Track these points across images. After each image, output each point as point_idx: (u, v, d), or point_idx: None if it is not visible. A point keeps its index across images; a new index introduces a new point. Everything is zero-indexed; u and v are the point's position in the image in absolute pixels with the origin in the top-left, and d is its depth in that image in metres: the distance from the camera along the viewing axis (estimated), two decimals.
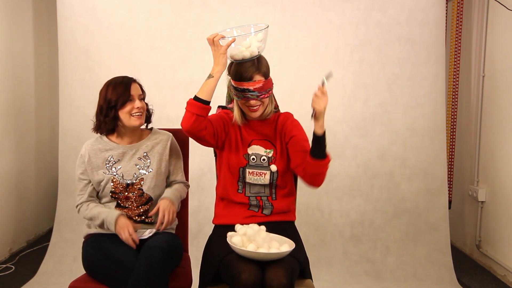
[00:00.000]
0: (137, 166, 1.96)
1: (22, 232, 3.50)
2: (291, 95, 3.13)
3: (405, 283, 2.96)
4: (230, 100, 2.02)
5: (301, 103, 3.18)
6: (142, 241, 1.84)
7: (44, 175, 3.81)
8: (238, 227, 1.77)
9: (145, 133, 2.04)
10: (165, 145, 2.01)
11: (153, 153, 1.98)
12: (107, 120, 1.91)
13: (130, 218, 1.94)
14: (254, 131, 1.95)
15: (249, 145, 1.94)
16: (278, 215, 1.95)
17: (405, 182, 3.22)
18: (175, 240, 1.91)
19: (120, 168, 1.94)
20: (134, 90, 1.92)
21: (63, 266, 2.99)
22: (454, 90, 3.48)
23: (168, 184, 2.05)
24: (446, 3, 3.31)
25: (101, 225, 1.90)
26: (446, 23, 3.35)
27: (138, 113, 1.92)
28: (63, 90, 3.24)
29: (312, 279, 1.83)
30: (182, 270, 1.95)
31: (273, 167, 1.91)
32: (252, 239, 1.66)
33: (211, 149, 2.09)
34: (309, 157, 1.78)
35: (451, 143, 3.52)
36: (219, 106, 2.05)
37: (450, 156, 3.53)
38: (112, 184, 1.92)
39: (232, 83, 1.86)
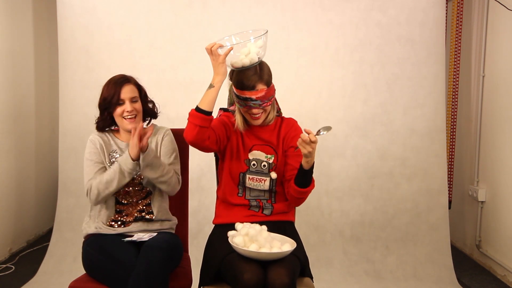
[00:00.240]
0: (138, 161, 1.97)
1: (22, 232, 3.50)
2: (291, 95, 3.13)
3: (405, 283, 2.96)
4: (231, 102, 2.02)
5: (301, 103, 3.21)
6: (142, 242, 1.84)
7: (44, 175, 3.81)
8: (238, 225, 1.78)
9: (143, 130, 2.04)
10: (161, 137, 2.02)
11: (150, 147, 1.98)
12: (102, 119, 1.96)
13: (130, 215, 1.95)
14: (255, 136, 1.95)
15: (250, 150, 1.94)
16: (278, 215, 1.96)
17: (405, 182, 3.22)
18: (175, 240, 1.92)
19: None
20: (126, 93, 1.91)
21: (63, 266, 2.99)
22: (454, 90, 3.48)
23: None
24: (446, 3, 3.31)
25: (121, 177, 1.84)
26: (446, 23, 3.35)
27: (129, 116, 1.92)
28: (63, 90, 3.24)
29: (312, 278, 1.83)
30: (182, 270, 1.95)
31: (273, 175, 1.92)
32: (254, 239, 1.67)
33: None
34: (293, 183, 1.80)
35: (451, 143, 3.52)
36: (220, 109, 2.05)
37: (450, 156, 3.53)
38: None
39: (234, 90, 1.85)
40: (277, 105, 2.01)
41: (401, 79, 3.21)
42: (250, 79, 1.80)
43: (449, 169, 3.50)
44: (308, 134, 1.65)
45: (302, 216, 3.06)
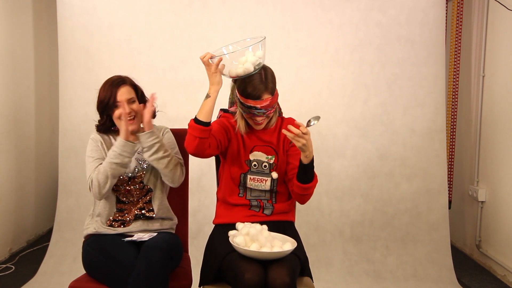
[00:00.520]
0: (139, 161, 1.98)
1: (22, 232, 3.50)
2: (291, 95, 3.13)
3: (405, 283, 2.96)
4: (232, 101, 2.02)
5: (301, 103, 3.21)
6: (142, 242, 1.85)
7: (44, 175, 3.81)
8: (239, 225, 1.78)
9: (143, 129, 2.04)
10: (161, 135, 2.02)
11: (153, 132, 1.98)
12: (101, 121, 1.97)
13: (130, 213, 1.96)
14: (256, 137, 1.95)
15: (251, 151, 1.94)
16: (278, 215, 1.96)
17: (405, 182, 3.22)
18: (175, 240, 1.92)
19: None
20: (122, 95, 1.90)
21: (63, 266, 2.99)
22: (454, 90, 3.48)
23: None
24: (446, 3, 3.31)
25: (117, 163, 1.84)
26: (446, 23, 3.35)
27: (128, 118, 1.90)
28: (63, 90, 3.24)
29: (312, 278, 1.84)
30: (182, 270, 1.95)
31: (274, 174, 1.92)
32: (255, 239, 1.67)
33: None
34: (295, 179, 1.79)
35: (451, 143, 3.52)
36: (221, 109, 2.05)
37: (450, 156, 3.53)
38: None
39: (239, 97, 1.85)
40: (279, 106, 2.01)
41: (401, 79, 3.21)
42: (255, 88, 1.79)
43: (449, 169, 3.50)
44: (299, 127, 1.66)
45: (302, 216, 3.06)
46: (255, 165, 1.93)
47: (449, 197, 3.41)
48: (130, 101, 1.92)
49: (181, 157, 2.03)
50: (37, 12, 3.66)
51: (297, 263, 1.71)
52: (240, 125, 1.92)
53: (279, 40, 3.16)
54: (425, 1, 3.19)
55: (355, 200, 3.22)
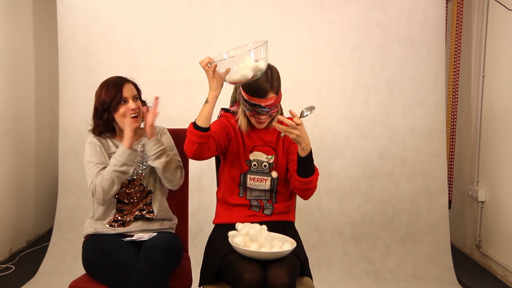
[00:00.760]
0: (137, 163, 1.97)
1: (22, 232, 3.50)
2: (291, 95, 3.11)
3: (405, 283, 2.96)
4: (235, 100, 2.02)
5: (301, 103, 3.18)
6: (142, 241, 1.85)
7: (44, 175, 3.81)
8: (239, 225, 1.78)
9: (143, 130, 2.03)
10: (159, 136, 2.01)
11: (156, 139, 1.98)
12: (100, 123, 1.94)
13: (131, 214, 1.96)
14: (256, 137, 1.95)
15: (251, 151, 1.94)
16: (278, 215, 1.96)
17: (405, 182, 3.22)
18: (175, 240, 1.92)
19: None
20: (127, 92, 1.91)
21: (63, 266, 2.99)
22: (454, 90, 3.48)
23: None
24: (446, 3, 3.31)
25: (121, 171, 1.83)
26: (446, 23, 3.35)
27: (133, 115, 1.90)
28: (63, 90, 3.24)
29: (312, 278, 1.84)
30: (182, 270, 1.95)
31: (274, 174, 1.93)
32: (255, 239, 1.67)
33: None
34: (295, 174, 1.79)
35: (451, 143, 3.52)
36: (222, 109, 2.05)
37: (450, 156, 3.53)
38: None
39: (243, 94, 1.85)
40: (280, 107, 2.01)
41: (401, 79, 3.22)
42: (261, 86, 1.79)
43: (449, 169, 3.50)
44: (293, 117, 1.66)
45: (302, 216, 3.06)
46: (255, 165, 1.93)
47: (449, 197, 3.41)
48: (134, 98, 1.93)
49: (180, 159, 2.03)
50: (37, 12, 3.66)
51: (296, 263, 1.70)
52: (242, 123, 1.92)
53: (279, 40, 3.16)
54: (425, 1, 3.19)
55: (355, 200, 3.22)
